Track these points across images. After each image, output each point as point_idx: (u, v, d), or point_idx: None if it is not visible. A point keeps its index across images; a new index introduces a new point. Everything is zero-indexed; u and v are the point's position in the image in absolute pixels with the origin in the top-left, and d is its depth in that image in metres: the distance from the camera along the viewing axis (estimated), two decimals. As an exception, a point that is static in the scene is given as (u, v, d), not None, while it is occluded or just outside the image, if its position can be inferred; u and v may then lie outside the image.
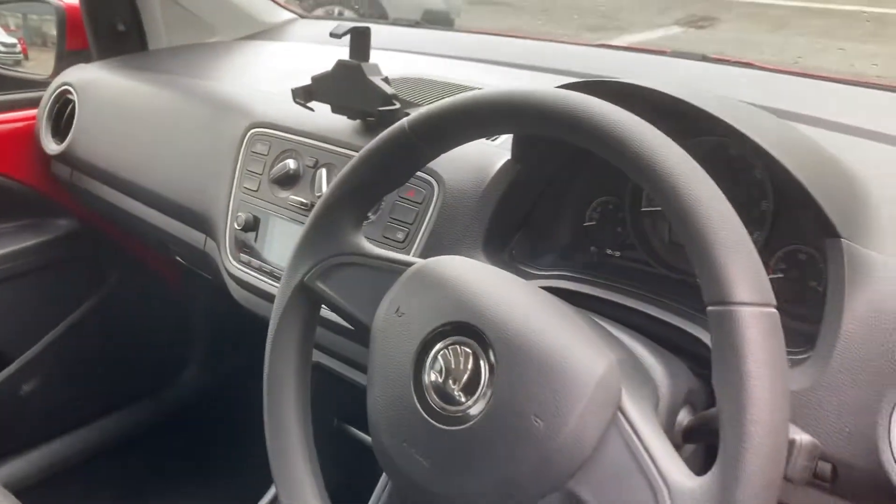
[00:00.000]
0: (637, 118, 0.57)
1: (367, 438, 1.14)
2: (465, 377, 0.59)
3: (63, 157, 1.43)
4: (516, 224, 0.90)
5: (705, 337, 0.70)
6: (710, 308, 0.51)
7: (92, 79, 1.44)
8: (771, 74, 1.19)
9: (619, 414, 0.55)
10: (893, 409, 0.62)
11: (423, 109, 0.68)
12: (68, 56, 1.60)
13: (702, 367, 0.68)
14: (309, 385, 0.75)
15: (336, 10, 5.41)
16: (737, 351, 0.49)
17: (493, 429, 0.57)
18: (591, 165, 0.90)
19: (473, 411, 0.58)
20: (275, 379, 0.74)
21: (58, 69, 1.58)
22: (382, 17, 5.42)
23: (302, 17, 1.76)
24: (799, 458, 0.55)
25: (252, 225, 1.06)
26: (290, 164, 1.03)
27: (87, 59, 1.57)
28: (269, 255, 1.04)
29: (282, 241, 1.03)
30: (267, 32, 1.66)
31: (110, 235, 1.57)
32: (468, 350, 0.60)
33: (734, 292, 0.50)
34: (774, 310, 0.51)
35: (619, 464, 0.54)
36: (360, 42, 0.97)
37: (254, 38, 1.63)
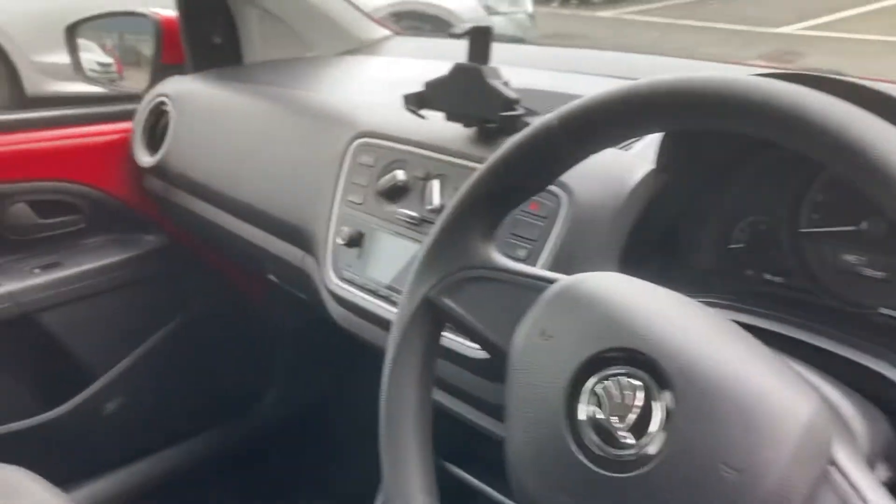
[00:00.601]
0: (878, 119, 0.47)
1: (474, 481, 1.05)
2: (633, 415, 0.50)
3: (156, 170, 1.40)
4: (655, 242, 0.81)
5: None
6: None
7: (188, 90, 1.40)
8: None
9: (832, 468, 0.45)
10: None
11: (573, 102, 0.60)
12: (164, 69, 1.57)
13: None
14: (431, 411, 0.67)
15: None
16: None
17: (668, 478, 0.47)
18: (743, 178, 0.80)
19: (643, 456, 0.48)
20: (395, 403, 0.65)
21: (153, 83, 1.55)
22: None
23: (397, 33, 1.71)
24: None
25: (356, 240, 0.98)
26: (399, 175, 0.96)
27: (181, 73, 1.55)
28: (373, 272, 0.96)
29: (388, 258, 0.95)
30: (363, 49, 1.61)
31: (198, 252, 1.53)
32: (636, 382, 0.50)
33: None
34: None
35: None
36: (481, 43, 0.90)
37: (351, 53, 1.58)
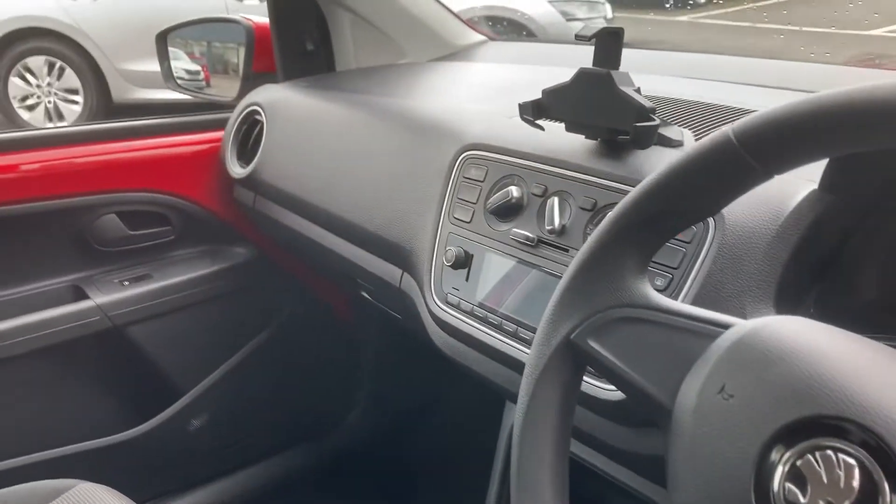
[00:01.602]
0: None
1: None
2: (850, 499, 0.40)
3: (248, 181, 1.35)
4: (818, 272, 0.70)
5: None
6: None
7: (281, 99, 1.35)
8: None
9: None
10: None
11: (753, 116, 0.50)
12: (254, 77, 1.53)
13: None
14: (568, 470, 0.58)
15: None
16: None
17: None
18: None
19: None
20: (529, 462, 0.57)
21: (243, 91, 1.51)
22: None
23: (492, 39, 1.64)
24: None
25: (463, 261, 0.91)
26: (513, 191, 0.87)
27: (272, 82, 1.50)
28: (482, 297, 0.88)
29: (500, 282, 0.87)
30: (458, 54, 1.54)
31: (287, 266, 1.48)
32: (851, 460, 0.41)
33: None
34: None
35: None
36: (611, 46, 0.81)
37: (446, 59, 1.51)
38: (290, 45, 1.47)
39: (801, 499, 0.42)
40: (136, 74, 5.33)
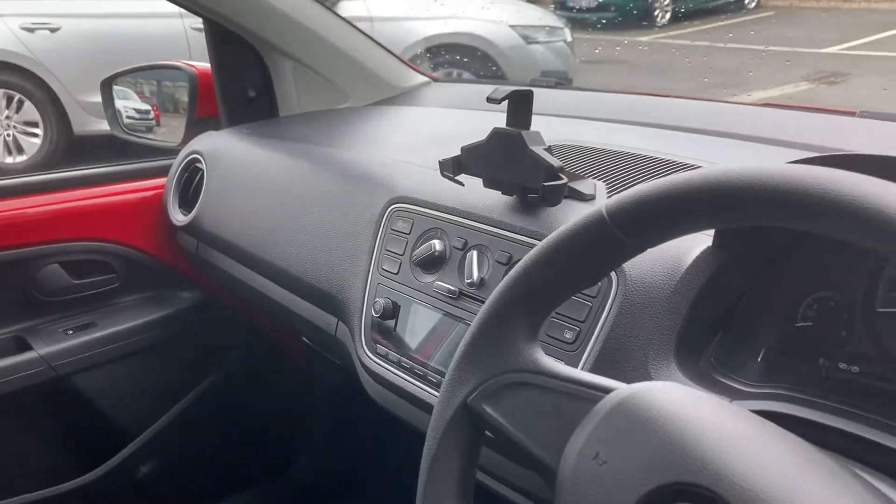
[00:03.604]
0: None
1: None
2: None
3: (190, 228, 1.37)
4: (715, 325, 0.74)
5: None
6: None
7: (221, 147, 1.37)
8: None
9: None
10: None
11: (625, 195, 0.54)
12: (198, 122, 1.55)
13: None
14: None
15: (455, 72, 5.42)
16: None
17: None
18: (810, 251, 0.73)
19: None
20: None
21: (188, 136, 1.53)
22: (499, 78, 5.39)
23: (434, 80, 1.67)
24: None
25: (391, 312, 0.93)
26: (436, 245, 0.90)
27: (216, 127, 1.52)
28: (410, 348, 0.91)
29: (425, 333, 0.90)
30: (400, 97, 1.57)
31: (235, 310, 1.49)
32: None
33: None
34: None
35: None
36: (521, 107, 0.84)
37: (387, 102, 1.54)
38: (233, 91, 1.49)
39: None
40: (97, 106, 5.31)
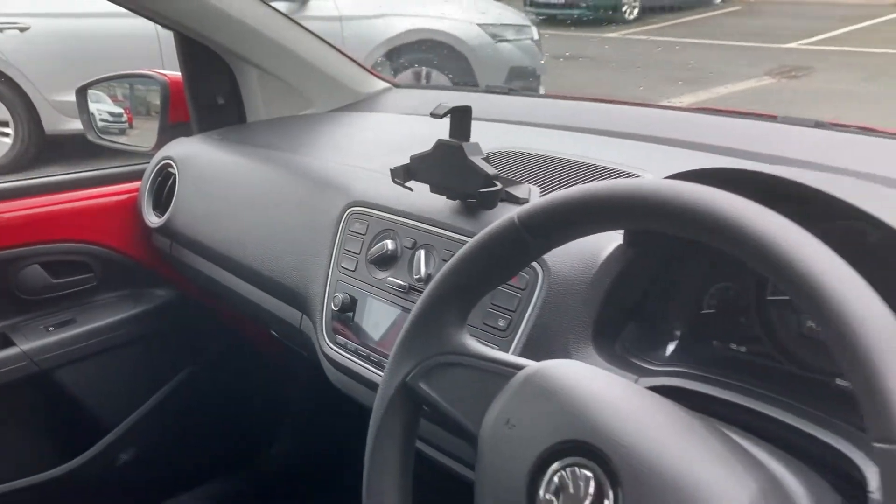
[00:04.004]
0: (777, 216, 0.51)
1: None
2: (587, 497, 0.54)
3: (163, 230, 1.45)
4: (628, 312, 0.85)
5: (855, 455, 0.62)
6: (877, 445, 0.45)
7: (192, 153, 1.46)
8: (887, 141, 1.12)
9: None
10: None
11: (533, 203, 0.64)
12: (171, 128, 1.63)
13: (853, 489, 0.60)
14: (411, 489, 0.71)
15: (424, 70, 5.51)
16: None
17: None
18: (710, 248, 0.84)
19: None
20: (374, 483, 0.70)
21: (160, 142, 1.61)
22: (469, 75, 5.49)
23: (396, 86, 1.76)
24: None
25: (349, 306, 1.03)
26: (389, 244, 1.00)
27: (188, 132, 1.61)
28: (366, 337, 1.01)
29: (379, 324, 1.00)
30: (362, 103, 1.66)
31: (209, 306, 1.58)
32: (589, 474, 0.54)
33: None
34: None
35: None
36: (461, 122, 0.94)
37: (349, 108, 1.63)
38: (203, 99, 1.57)
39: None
40: (68, 105, 5.33)
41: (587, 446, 0.55)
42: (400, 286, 0.98)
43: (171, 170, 1.47)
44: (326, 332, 1.06)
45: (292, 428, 1.75)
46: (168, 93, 1.64)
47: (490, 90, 1.70)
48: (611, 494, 0.53)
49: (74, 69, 5.17)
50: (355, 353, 1.02)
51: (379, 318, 1.00)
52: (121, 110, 2.14)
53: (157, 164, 1.51)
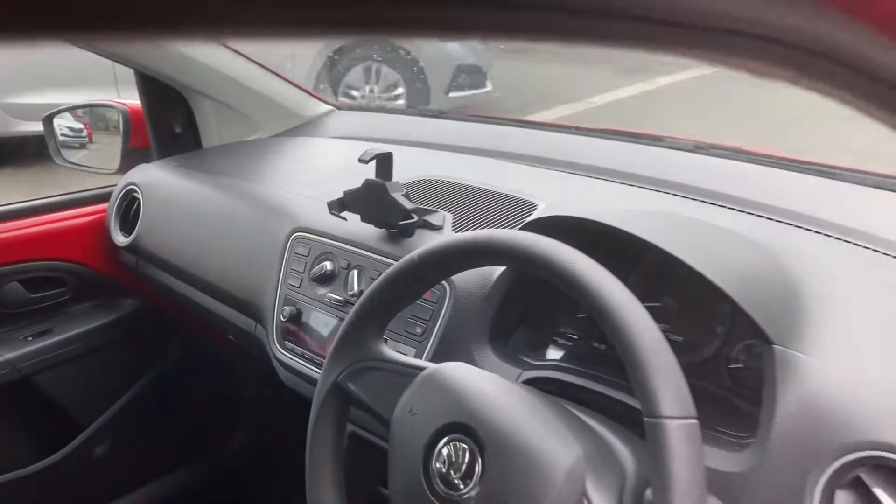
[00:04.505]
0: (589, 260, 0.73)
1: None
2: (464, 468, 0.75)
3: (130, 248, 1.63)
4: (517, 320, 1.06)
5: None
6: (645, 419, 0.67)
7: (154, 179, 1.64)
8: (755, 167, 1.31)
9: (584, 499, 0.71)
10: (815, 487, 0.76)
11: (430, 246, 0.85)
12: (132, 153, 1.81)
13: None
14: (343, 467, 0.92)
15: (374, 66, 5.68)
16: (664, 455, 0.64)
17: None
18: None
19: (469, 496, 0.74)
20: (314, 466, 0.90)
21: (123, 165, 1.78)
22: (418, 72, 5.67)
23: (337, 108, 1.95)
24: None
25: (296, 317, 1.23)
26: (327, 265, 1.21)
27: (148, 156, 1.78)
28: (310, 343, 1.21)
29: (321, 332, 1.20)
30: (306, 126, 1.85)
31: (172, 315, 1.76)
32: (465, 446, 0.76)
33: (662, 409, 0.65)
34: (695, 420, 0.66)
35: None
36: (384, 165, 1.15)
37: (295, 132, 1.82)
38: (161, 128, 1.75)
39: (444, 470, 0.76)
40: (19, 108, 5.39)
41: (464, 426, 0.76)
42: (337, 300, 1.18)
43: (135, 194, 1.65)
44: (277, 339, 1.26)
45: (249, 422, 1.94)
46: (129, 120, 1.80)
47: (423, 113, 1.90)
48: (479, 460, 0.74)
49: (26, 71, 5.25)
50: (301, 356, 1.22)
51: (320, 326, 1.21)
52: (81, 126, 2.30)
53: (122, 189, 1.68)
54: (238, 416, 1.94)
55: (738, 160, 1.33)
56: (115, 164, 1.84)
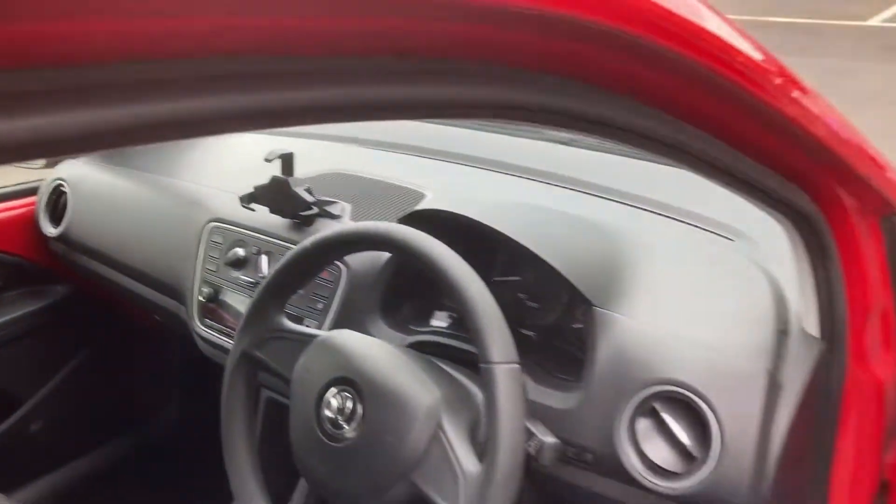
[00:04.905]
0: (440, 245, 0.93)
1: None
2: (347, 412, 0.94)
3: (59, 238, 1.76)
4: (405, 295, 1.25)
5: None
6: (480, 365, 0.87)
7: (81, 174, 1.77)
8: (617, 157, 1.51)
9: (440, 431, 0.91)
10: (623, 416, 0.97)
11: (320, 234, 1.03)
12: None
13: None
14: (255, 425, 1.10)
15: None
16: (492, 391, 0.85)
17: (363, 445, 0.92)
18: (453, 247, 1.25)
19: (351, 435, 0.93)
20: (229, 421, 1.08)
21: (51, 161, 1.90)
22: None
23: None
24: (546, 451, 0.91)
25: (213, 297, 1.40)
26: (240, 251, 1.38)
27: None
28: (227, 319, 1.38)
29: (236, 309, 1.37)
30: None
31: (101, 299, 1.90)
32: (348, 395, 0.95)
33: (491, 356, 0.86)
34: (517, 364, 0.86)
35: (438, 462, 0.89)
36: (287, 163, 1.32)
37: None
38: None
39: (331, 416, 0.95)
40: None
41: (348, 379, 0.95)
42: (249, 282, 1.35)
43: (63, 188, 1.77)
44: (197, 317, 1.42)
45: (177, 396, 2.10)
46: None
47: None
48: (360, 406, 0.94)
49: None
50: (219, 331, 1.39)
51: (235, 304, 1.38)
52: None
53: (51, 184, 1.81)
54: (166, 392, 2.09)
55: (603, 151, 1.53)
56: (43, 159, 1.97)
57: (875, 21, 9.31)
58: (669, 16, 0.51)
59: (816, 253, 0.92)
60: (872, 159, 0.91)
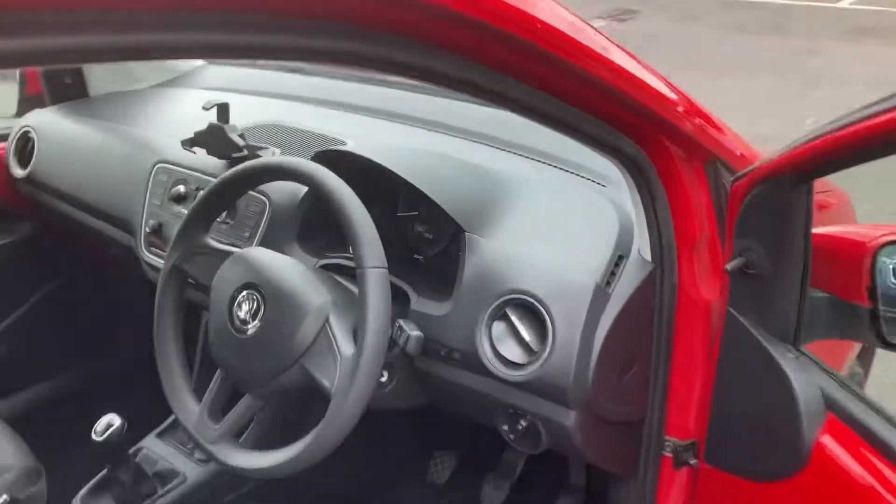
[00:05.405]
0: (331, 174, 1.13)
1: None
2: (253, 311, 1.15)
3: (26, 179, 1.95)
4: (321, 226, 1.45)
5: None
6: (356, 269, 1.07)
7: (47, 121, 1.96)
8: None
9: (327, 325, 1.11)
10: (483, 319, 1.18)
11: (238, 167, 1.23)
12: (28, 99, 2.11)
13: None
14: (182, 330, 1.30)
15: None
16: (363, 292, 1.06)
17: (263, 336, 1.13)
18: (365, 187, 1.45)
19: (254, 329, 1.13)
20: (161, 333, 1.29)
21: (20, 110, 2.09)
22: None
23: (210, 62, 2.28)
24: (412, 342, 1.12)
25: (157, 229, 1.60)
26: (181, 188, 1.57)
27: (41, 101, 2.08)
28: (167, 247, 1.57)
29: (175, 236, 1.57)
30: (182, 78, 2.17)
31: (64, 237, 2.08)
32: (255, 297, 1.15)
33: (363, 262, 1.06)
34: (384, 269, 1.07)
35: (323, 349, 1.10)
36: (223, 112, 1.51)
37: (171, 83, 2.14)
38: (53, 79, 2.05)
39: (240, 313, 1.15)
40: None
41: (254, 284, 1.16)
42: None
43: (30, 135, 1.96)
44: (144, 246, 1.62)
45: (130, 319, 2.28)
46: (25, 72, 2.10)
47: (283, 69, 2.24)
48: (263, 306, 1.14)
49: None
50: (159, 255, 1.59)
51: (174, 233, 1.57)
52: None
53: (19, 130, 1.99)
54: (121, 320, 2.27)
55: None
56: (13, 109, 2.15)
57: (845, 3, 9.52)
58: None
59: (646, 193, 1.13)
60: (698, 118, 1.11)
